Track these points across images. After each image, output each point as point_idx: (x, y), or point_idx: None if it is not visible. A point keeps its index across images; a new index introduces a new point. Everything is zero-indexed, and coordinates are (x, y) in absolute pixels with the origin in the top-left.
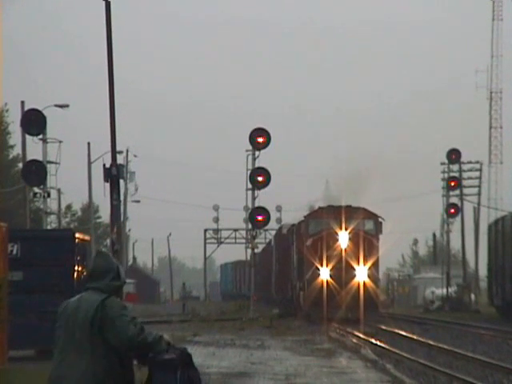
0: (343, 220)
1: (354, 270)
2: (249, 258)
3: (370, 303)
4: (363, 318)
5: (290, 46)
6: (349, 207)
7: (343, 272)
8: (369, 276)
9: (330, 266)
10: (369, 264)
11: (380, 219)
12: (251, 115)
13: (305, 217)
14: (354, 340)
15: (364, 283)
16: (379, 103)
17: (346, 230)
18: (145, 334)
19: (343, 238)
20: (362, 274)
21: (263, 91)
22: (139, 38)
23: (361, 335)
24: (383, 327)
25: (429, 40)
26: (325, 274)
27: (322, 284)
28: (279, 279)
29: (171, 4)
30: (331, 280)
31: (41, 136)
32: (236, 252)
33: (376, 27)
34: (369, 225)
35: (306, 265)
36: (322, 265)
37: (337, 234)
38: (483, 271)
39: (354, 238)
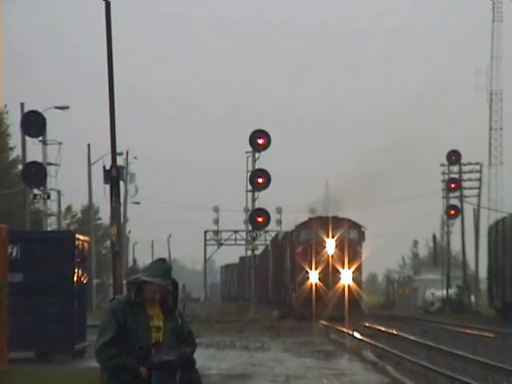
0: (330, 229)
1: (340, 273)
2: (238, 261)
3: (353, 303)
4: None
5: (291, 46)
6: (335, 218)
7: (330, 275)
8: (353, 279)
9: (319, 270)
10: (353, 268)
11: (363, 229)
12: (251, 116)
13: (296, 226)
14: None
15: (348, 285)
16: (378, 104)
17: (332, 238)
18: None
19: (330, 246)
20: (346, 277)
21: (263, 93)
22: (139, 38)
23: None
24: (383, 328)
25: (429, 41)
26: (314, 277)
27: (311, 286)
28: (275, 281)
29: (171, 5)
30: (319, 282)
31: (41, 138)
32: (236, 253)
33: (376, 27)
34: (353, 234)
35: (298, 269)
36: (311, 269)
37: (324, 241)
38: (483, 273)
39: (339, 246)
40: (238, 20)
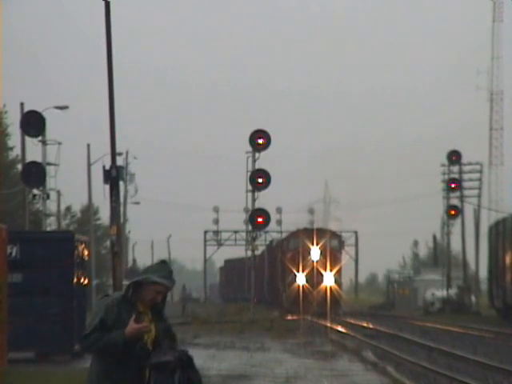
0: (315, 239)
1: (323, 276)
2: (224, 265)
3: (334, 301)
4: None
5: (290, 46)
6: (319, 229)
7: (314, 278)
8: (334, 281)
9: (305, 273)
10: (334, 271)
11: (342, 238)
12: (251, 116)
13: (286, 236)
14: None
15: (330, 286)
16: (379, 104)
17: (316, 246)
18: (85, 340)
19: (315, 252)
20: (328, 279)
21: (263, 92)
22: (139, 39)
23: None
24: (383, 329)
25: (429, 41)
26: (301, 279)
27: (299, 287)
28: (269, 283)
29: (171, 3)
30: (306, 284)
31: (40, 138)
32: (236, 254)
33: (375, 26)
34: (334, 242)
35: (287, 272)
36: (298, 272)
37: (310, 249)
38: (484, 273)
39: (322, 252)
40: (237, 17)
